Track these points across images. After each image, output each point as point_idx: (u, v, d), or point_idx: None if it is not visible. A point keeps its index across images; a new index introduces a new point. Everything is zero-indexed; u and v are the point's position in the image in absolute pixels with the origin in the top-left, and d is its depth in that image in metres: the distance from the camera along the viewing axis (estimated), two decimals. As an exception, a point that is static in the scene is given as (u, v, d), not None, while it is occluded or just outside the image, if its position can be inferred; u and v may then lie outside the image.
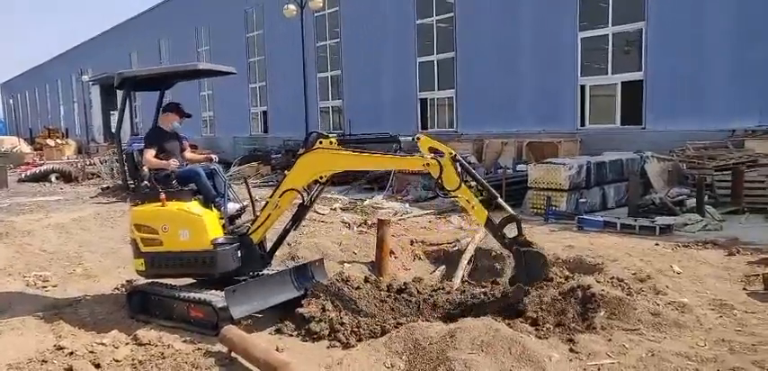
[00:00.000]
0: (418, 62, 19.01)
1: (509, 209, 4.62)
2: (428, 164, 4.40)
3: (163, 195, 5.03)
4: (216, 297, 4.69)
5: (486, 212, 4.50)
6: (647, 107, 13.28)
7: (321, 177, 4.89)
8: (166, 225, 4.97)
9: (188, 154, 5.84)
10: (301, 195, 5.00)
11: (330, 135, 4.84)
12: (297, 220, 5.23)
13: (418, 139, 4.60)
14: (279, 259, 6.62)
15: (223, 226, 5.09)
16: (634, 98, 13.65)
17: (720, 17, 11.97)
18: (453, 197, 4.57)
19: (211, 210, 5.13)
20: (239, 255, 4.98)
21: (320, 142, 4.75)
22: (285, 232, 5.31)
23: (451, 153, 4.49)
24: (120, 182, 16.63)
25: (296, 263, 6.27)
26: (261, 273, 5.22)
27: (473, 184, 4.90)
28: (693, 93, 12.43)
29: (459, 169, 4.52)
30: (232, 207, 5.32)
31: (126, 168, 5.50)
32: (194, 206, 5.05)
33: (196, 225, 4.92)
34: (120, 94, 5.69)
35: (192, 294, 4.89)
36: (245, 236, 5.05)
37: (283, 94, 24.64)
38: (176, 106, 5.67)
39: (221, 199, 5.32)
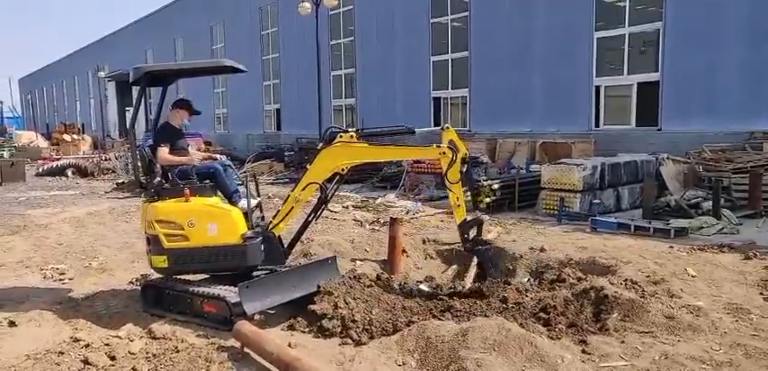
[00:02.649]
0: (432, 61, 18.99)
1: (482, 215, 5.39)
2: (444, 153, 4.89)
3: (187, 191, 5.02)
4: (229, 293, 4.73)
5: (465, 216, 5.17)
6: (663, 108, 13.14)
7: (342, 170, 5.10)
8: (193, 220, 4.93)
9: (191, 151, 5.86)
10: (322, 189, 5.19)
11: (349, 129, 5.06)
12: (316, 211, 5.46)
13: (447, 128, 5.09)
14: (292, 257, 6.66)
15: (247, 220, 5.13)
16: (650, 99, 13.51)
17: (738, 18, 11.81)
18: (449, 189, 5.10)
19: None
20: (270, 248, 5.11)
21: (340, 137, 4.98)
22: (306, 225, 5.50)
23: (465, 154, 4.99)
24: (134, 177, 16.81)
25: (309, 260, 6.30)
26: (274, 269, 5.26)
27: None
28: (710, 94, 12.28)
29: (464, 171, 5.05)
30: (252, 202, 5.36)
31: (139, 165, 5.50)
32: (218, 201, 5.11)
33: (226, 220, 4.97)
34: (134, 90, 5.71)
35: (205, 289, 4.94)
36: (267, 230, 5.15)
37: (297, 91, 24.75)
38: (187, 103, 5.63)
39: (237, 194, 5.36)
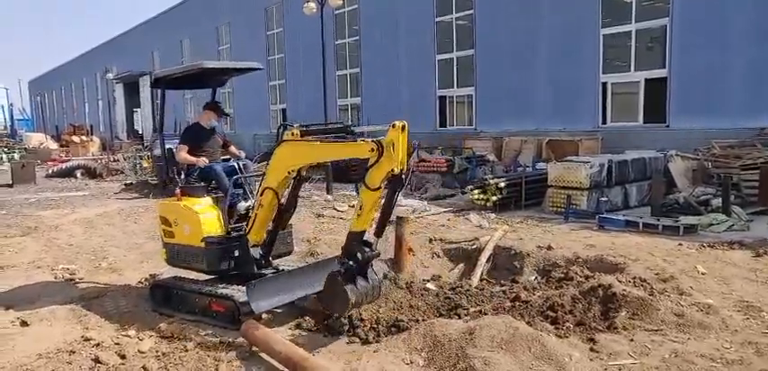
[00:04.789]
0: (437, 60, 18.95)
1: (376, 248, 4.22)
2: (372, 149, 3.90)
3: (178, 190, 5.24)
4: (237, 292, 4.75)
5: (363, 230, 4.10)
6: (671, 105, 13.05)
7: (290, 172, 4.67)
8: (177, 220, 5.19)
9: (233, 149, 5.97)
10: (277, 195, 4.76)
11: (294, 126, 4.59)
12: (278, 222, 5.02)
13: (394, 126, 3.87)
14: (299, 256, 6.69)
15: (227, 223, 5.14)
16: (657, 96, 13.43)
17: (746, 13, 11.71)
18: (359, 191, 4.09)
19: (225, 207, 5.22)
20: (236, 254, 4.97)
21: (285, 135, 4.58)
22: (272, 233, 5.11)
23: (400, 169, 3.89)
24: (142, 178, 16.96)
25: (315, 259, 6.32)
26: (281, 268, 5.28)
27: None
28: (719, 90, 12.18)
29: (386, 186, 4.00)
30: (244, 205, 5.37)
31: (155, 164, 5.67)
32: (197, 202, 5.15)
33: (193, 221, 5.05)
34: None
35: (213, 289, 4.98)
36: (243, 236, 5.04)
37: (302, 91, 24.80)
38: (215, 105, 5.82)
39: (239, 196, 5.40)
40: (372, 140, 3.94)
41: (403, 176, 3.98)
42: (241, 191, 5.54)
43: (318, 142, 4.44)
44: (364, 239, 4.14)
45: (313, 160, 4.68)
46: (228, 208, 5.28)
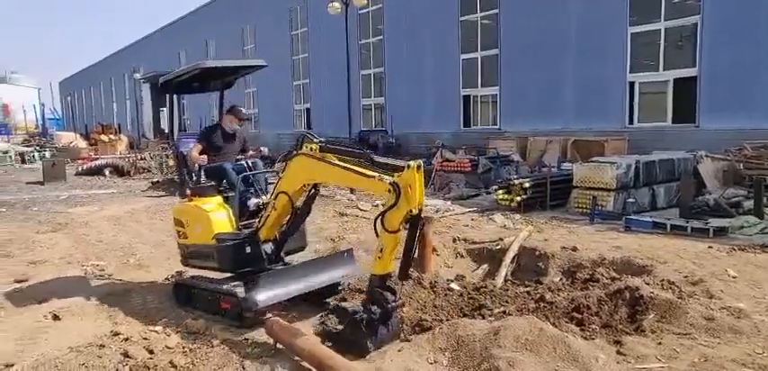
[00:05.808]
0: (461, 59, 18.87)
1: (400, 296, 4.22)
2: (389, 189, 3.83)
3: (188, 191, 5.33)
4: (240, 288, 4.76)
5: (386, 273, 4.00)
6: (701, 104, 12.75)
7: (305, 185, 4.66)
8: (188, 220, 5.26)
9: (249, 154, 5.99)
10: (291, 200, 4.70)
11: (315, 140, 4.48)
12: (291, 223, 4.94)
13: (409, 167, 3.81)
14: (316, 254, 6.72)
15: (238, 221, 5.18)
16: (687, 95, 13.14)
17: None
18: (379, 232, 3.92)
19: (235, 205, 5.27)
20: (247, 250, 4.92)
21: (305, 147, 4.51)
22: (284, 235, 5.04)
23: (413, 212, 3.82)
24: (169, 176, 17.25)
25: (322, 253, 6.31)
26: (287, 264, 5.25)
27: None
28: (751, 89, 11.86)
29: (407, 227, 3.87)
30: (254, 202, 5.39)
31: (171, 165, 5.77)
32: (207, 201, 5.20)
33: (203, 220, 5.10)
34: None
35: (219, 286, 5.00)
36: (254, 232, 5.02)
37: (326, 91, 24.94)
38: (234, 109, 5.84)
39: (250, 194, 5.44)
40: (389, 182, 3.84)
41: (422, 216, 3.91)
42: (251, 188, 5.57)
43: (335, 167, 4.33)
44: (388, 283, 4.05)
45: (328, 181, 4.63)
46: (239, 206, 5.30)
